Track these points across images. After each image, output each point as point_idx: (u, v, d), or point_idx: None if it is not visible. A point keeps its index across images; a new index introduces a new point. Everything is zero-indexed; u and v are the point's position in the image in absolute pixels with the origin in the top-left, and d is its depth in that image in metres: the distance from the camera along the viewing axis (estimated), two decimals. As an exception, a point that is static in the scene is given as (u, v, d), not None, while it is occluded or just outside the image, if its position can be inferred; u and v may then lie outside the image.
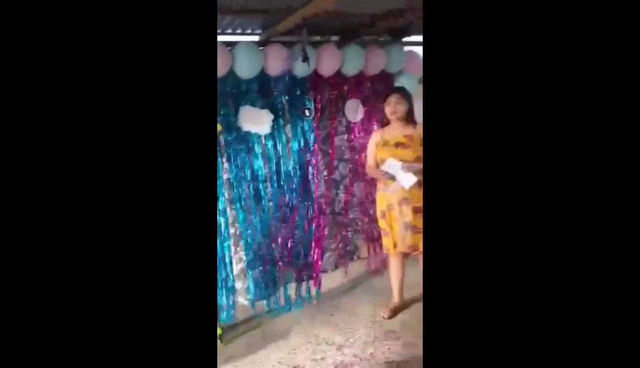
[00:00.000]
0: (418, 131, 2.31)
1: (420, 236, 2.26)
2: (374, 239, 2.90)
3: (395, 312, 2.46)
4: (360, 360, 2.10)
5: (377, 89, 2.78)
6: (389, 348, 2.17)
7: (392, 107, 2.30)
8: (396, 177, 2.20)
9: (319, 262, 2.68)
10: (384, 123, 2.41)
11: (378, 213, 2.44)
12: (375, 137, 2.40)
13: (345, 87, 2.69)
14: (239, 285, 2.50)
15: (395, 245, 2.37)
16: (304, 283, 2.66)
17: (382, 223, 2.42)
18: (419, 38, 2.93)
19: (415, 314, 2.43)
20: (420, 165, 2.23)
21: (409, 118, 2.34)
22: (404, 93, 2.34)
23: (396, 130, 2.33)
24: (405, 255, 2.44)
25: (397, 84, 2.76)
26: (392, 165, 2.21)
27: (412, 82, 2.71)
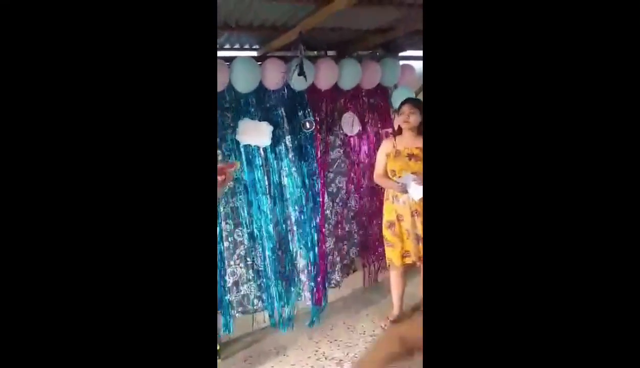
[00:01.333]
0: None
1: None
2: (370, 251, 2.90)
3: (395, 324, 2.44)
4: (361, 374, 2.07)
5: (372, 103, 2.81)
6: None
7: (405, 116, 2.27)
8: (408, 189, 2.20)
9: (320, 278, 2.65)
10: (396, 133, 2.39)
11: (385, 224, 2.39)
12: (387, 147, 2.37)
13: (342, 101, 2.72)
14: (231, 298, 2.46)
15: (402, 257, 2.35)
16: (307, 299, 2.61)
17: (387, 234, 2.39)
18: (413, 53, 2.99)
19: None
20: None
21: (420, 129, 2.31)
22: (416, 104, 2.32)
23: (408, 141, 2.31)
24: (409, 267, 2.43)
25: (393, 97, 2.80)
26: (406, 177, 2.21)
27: (407, 94, 2.74)
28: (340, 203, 2.79)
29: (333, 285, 2.76)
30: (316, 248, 2.57)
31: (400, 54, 2.93)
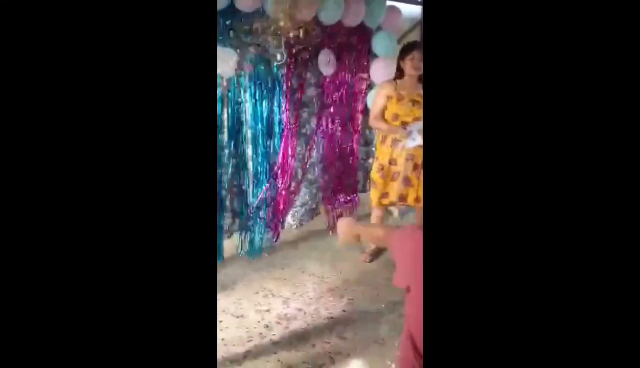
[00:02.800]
0: None
1: (410, 189, 2.38)
2: (334, 197, 2.88)
3: (373, 256, 2.59)
4: (304, 314, 2.13)
5: (352, 43, 2.64)
6: (333, 305, 2.21)
7: (416, 63, 2.23)
8: (410, 135, 2.24)
9: (281, 217, 2.63)
10: (397, 76, 2.36)
11: (376, 166, 2.45)
12: (388, 89, 2.32)
13: (320, 37, 2.53)
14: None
15: (381, 197, 2.43)
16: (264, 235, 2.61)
17: (376, 175, 2.44)
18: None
19: (356, 274, 2.47)
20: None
21: (420, 77, 2.30)
22: (422, 50, 2.28)
23: (410, 88, 2.29)
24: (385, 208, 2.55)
25: (375, 40, 2.63)
26: (415, 124, 2.24)
27: (390, 39, 2.59)
28: (313, 146, 2.71)
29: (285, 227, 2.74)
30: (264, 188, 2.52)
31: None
